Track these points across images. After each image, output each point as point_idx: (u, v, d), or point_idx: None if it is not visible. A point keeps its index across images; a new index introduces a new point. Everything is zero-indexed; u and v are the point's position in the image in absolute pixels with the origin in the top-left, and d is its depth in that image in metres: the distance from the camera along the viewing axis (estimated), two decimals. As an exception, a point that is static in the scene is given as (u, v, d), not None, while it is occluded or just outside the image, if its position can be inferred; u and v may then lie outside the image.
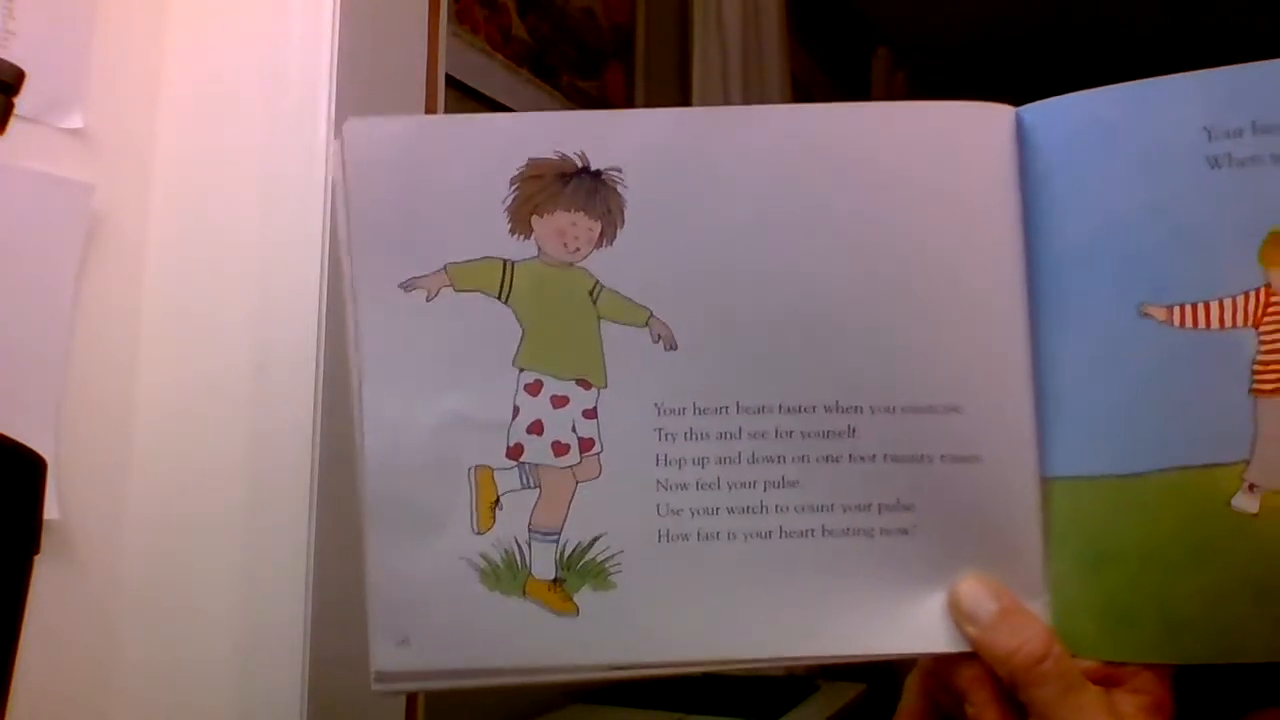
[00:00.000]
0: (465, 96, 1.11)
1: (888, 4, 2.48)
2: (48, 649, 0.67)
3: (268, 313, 0.74)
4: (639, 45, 1.53)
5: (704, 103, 1.60)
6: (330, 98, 0.74)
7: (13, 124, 0.49)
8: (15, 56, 0.51)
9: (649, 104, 1.53)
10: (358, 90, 0.76)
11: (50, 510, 0.63)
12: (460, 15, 1.11)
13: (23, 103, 0.50)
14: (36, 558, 0.42)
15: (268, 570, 0.72)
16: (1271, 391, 0.39)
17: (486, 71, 1.16)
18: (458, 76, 1.07)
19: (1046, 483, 0.41)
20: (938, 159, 0.42)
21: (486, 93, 1.15)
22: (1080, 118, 0.41)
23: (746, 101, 1.61)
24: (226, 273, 0.75)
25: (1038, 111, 0.42)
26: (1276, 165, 0.39)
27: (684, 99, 1.63)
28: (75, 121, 0.70)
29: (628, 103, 1.49)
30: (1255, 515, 0.39)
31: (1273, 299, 0.39)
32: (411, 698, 0.82)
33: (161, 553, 0.74)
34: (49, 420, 0.68)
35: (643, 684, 1.29)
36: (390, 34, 0.82)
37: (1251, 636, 0.39)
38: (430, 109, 0.86)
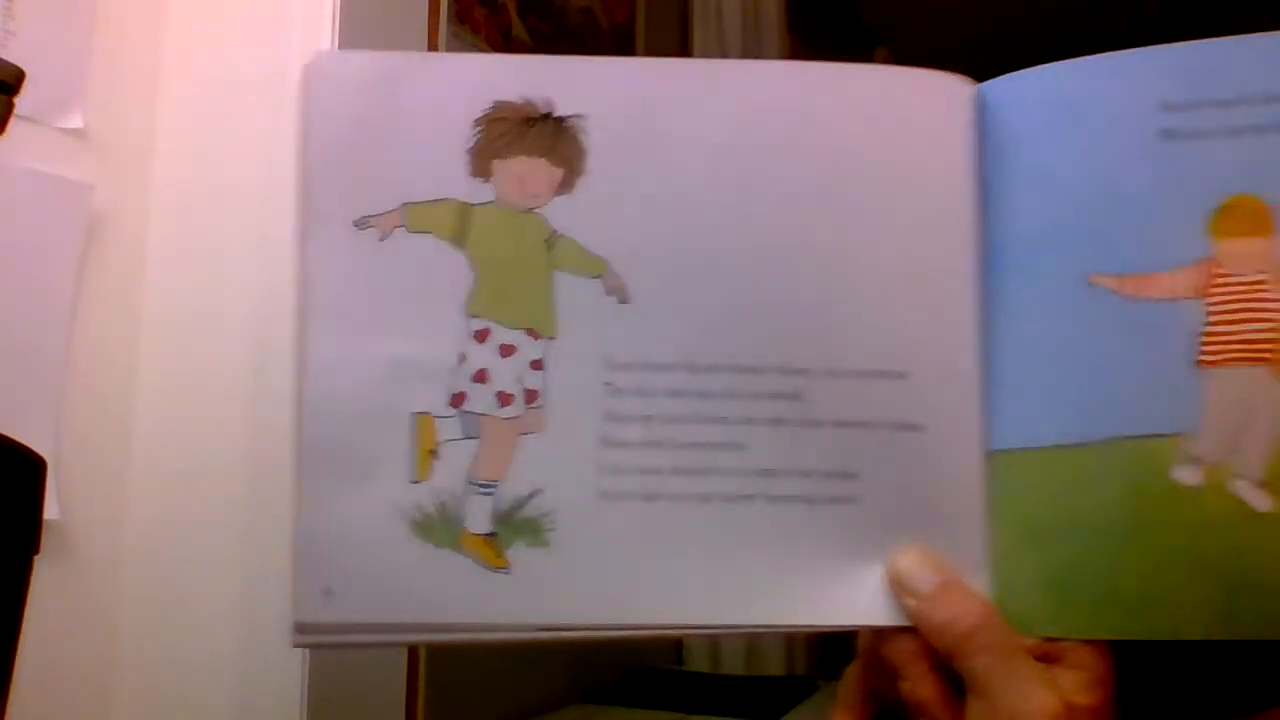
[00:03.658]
0: (465, 96, 1.11)
1: (888, 4, 2.48)
2: (48, 649, 0.67)
3: (268, 313, 0.74)
4: (639, 45, 1.53)
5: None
6: (330, 98, 0.74)
7: (13, 124, 0.49)
8: (15, 56, 0.51)
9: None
10: (358, 90, 0.76)
11: (50, 510, 0.63)
12: (460, 15, 1.11)
13: (23, 103, 0.50)
14: (36, 558, 0.42)
15: (268, 569, 0.72)
16: (1216, 363, 0.39)
17: (486, 71, 1.16)
18: (458, 76, 1.07)
19: (991, 455, 0.41)
20: (894, 125, 0.41)
21: (486, 93, 1.15)
22: (1039, 91, 0.41)
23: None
24: (226, 273, 0.75)
25: (1000, 86, 0.42)
26: (1228, 139, 0.39)
27: (684, 99, 1.62)
28: (75, 121, 0.70)
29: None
30: (1197, 488, 0.39)
31: (1219, 271, 0.39)
32: (412, 699, 0.81)
33: (161, 553, 0.74)
34: (49, 420, 0.68)
35: (643, 684, 1.29)
36: (390, 34, 0.82)
37: (1190, 613, 0.39)
38: (430, 109, 0.86)
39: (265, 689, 0.71)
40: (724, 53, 1.64)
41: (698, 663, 1.47)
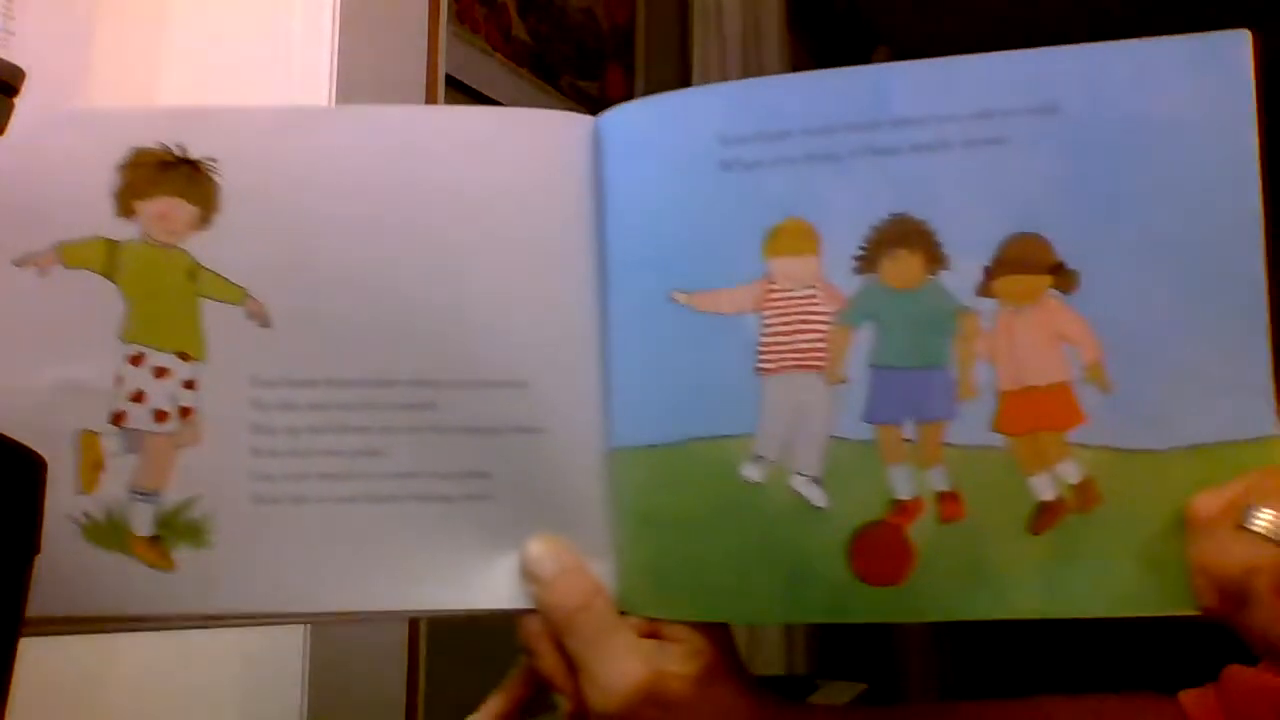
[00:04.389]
0: (465, 96, 1.11)
1: (888, 4, 2.49)
2: (47, 649, 0.67)
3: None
4: (639, 45, 1.53)
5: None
6: (330, 98, 0.74)
7: (13, 124, 0.49)
8: (15, 56, 0.51)
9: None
10: (358, 90, 0.76)
11: (50, 510, 0.63)
12: (460, 15, 1.11)
13: (23, 103, 0.50)
14: (37, 558, 0.42)
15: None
16: (772, 370, 0.43)
17: (486, 71, 1.16)
18: (458, 76, 1.07)
19: (612, 453, 0.45)
20: (513, 158, 0.46)
21: (486, 93, 1.15)
22: (631, 126, 0.46)
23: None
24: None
25: (609, 119, 0.46)
26: (778, 168, 0.43)
27: (684, 99, 1.62)
28: (75, 121, 0.70)
29: (628, 102, 1.49)
30: (762, 484, 0.43)
31: (773, 287, 0.43)
32: (412, 698, 0.82)
33: (162, 552, 0.74)
34: (49, 420, 0.68)
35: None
36: (390, 34, 0.82)
37: (764, 598, 0.43)
38: (430, 109, 0.86)
39: (265, 688, 0.71)
40: (724, 52, 1.64)
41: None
